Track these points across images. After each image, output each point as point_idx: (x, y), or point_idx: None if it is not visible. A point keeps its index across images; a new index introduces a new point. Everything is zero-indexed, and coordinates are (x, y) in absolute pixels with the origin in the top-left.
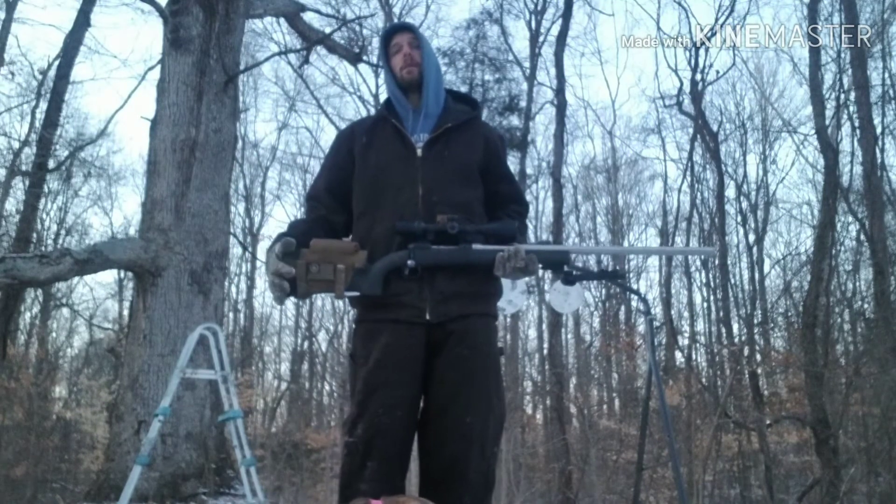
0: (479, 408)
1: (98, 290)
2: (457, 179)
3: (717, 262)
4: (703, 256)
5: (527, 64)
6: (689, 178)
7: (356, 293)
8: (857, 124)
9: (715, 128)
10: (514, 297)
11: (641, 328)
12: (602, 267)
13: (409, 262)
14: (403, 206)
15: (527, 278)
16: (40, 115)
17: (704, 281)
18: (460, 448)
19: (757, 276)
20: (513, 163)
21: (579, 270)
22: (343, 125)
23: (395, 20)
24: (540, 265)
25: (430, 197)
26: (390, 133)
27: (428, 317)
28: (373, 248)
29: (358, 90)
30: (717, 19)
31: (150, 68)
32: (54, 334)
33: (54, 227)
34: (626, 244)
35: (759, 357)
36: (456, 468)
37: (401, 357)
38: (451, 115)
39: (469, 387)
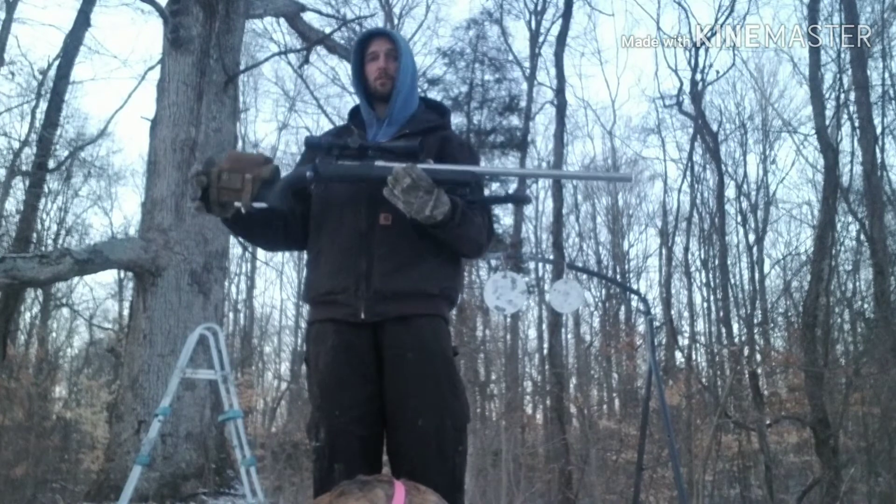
0: (430, 411)
1: (98, 290)
2: None
3: (717, 261)
4: (620, 183)
5: (527, 64)
6: (689, 178)
7: (263, 204)
8: (857, 124)
9: (715, 128)
10: (514, 297)
11: (641, 328)
12: (602, 266)
13: (308, 173)
14: (352, 204)
15: (500, 262)
16: (40, 115)
17: (704, 281)
18: (416, 452)
19: (757, 276)
20: (513, 163)
21: (489, 197)
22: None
23: (396, 20)
24: (441, 185)
25: (376, 195)
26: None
27: (363, 316)
28: (329, 248)
29: None
30: (717, 19)
31: (150, 68)
32: (54, 334)
33: (54, 227)
34: (625, 244)
35: (759, 357)
36: (417, 472)
37: (348, 358)
38: (414, 123)
39: (417, 390)
